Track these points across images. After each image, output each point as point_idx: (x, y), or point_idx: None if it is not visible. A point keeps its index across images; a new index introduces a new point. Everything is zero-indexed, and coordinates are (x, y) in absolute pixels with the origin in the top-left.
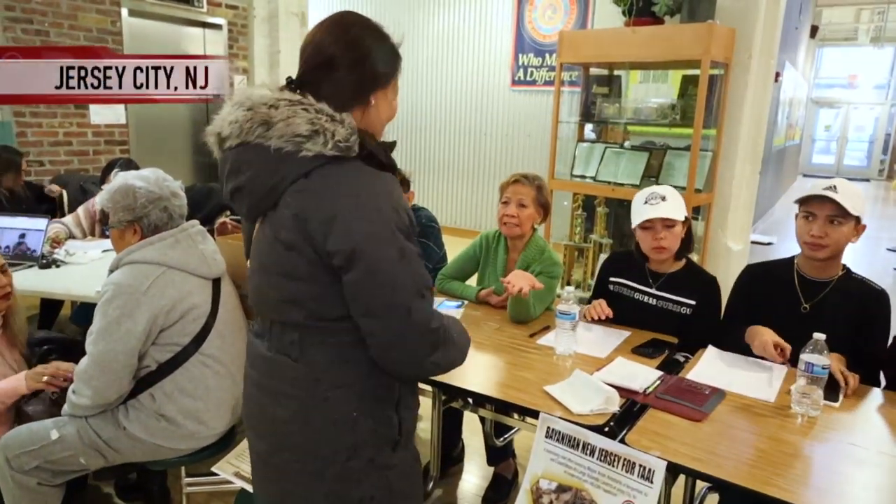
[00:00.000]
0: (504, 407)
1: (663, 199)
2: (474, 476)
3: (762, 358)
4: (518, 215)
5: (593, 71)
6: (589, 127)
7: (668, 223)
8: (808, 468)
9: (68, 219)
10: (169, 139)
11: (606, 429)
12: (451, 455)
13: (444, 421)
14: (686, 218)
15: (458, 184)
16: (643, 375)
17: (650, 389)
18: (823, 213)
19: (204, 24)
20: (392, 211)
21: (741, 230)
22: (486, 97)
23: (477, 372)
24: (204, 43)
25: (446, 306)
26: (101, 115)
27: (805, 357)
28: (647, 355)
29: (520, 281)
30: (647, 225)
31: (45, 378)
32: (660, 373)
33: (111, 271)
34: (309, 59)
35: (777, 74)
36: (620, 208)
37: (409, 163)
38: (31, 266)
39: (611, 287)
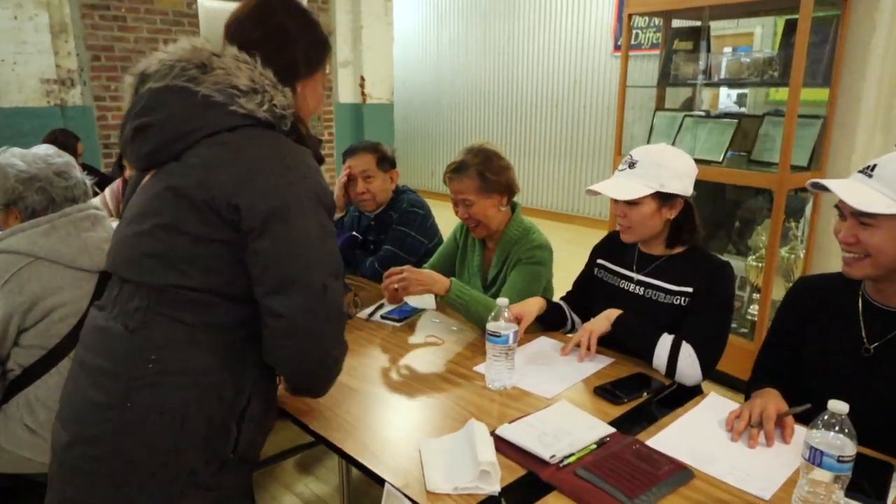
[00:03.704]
0: (352, 462)
1: (631, 165)
2: None
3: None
4: (471, 216)
5: (676, 24)
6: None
7: (629, 200)
8: None
9: (96, 200)
10: None
11: None
12: None
13: None
14: (675, 197)
15: (553, 164)
16: (578, 434)
17: (570, 460)
18: (847, 209)
19: None
20: (316, 183)
21: None
22: (585, 66)
23: (359, 406)
24: None
25: (400, 312)
26: None
27: (812, 439)
28: (613, 399)
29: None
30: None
31: None
32: (611, 430)
33: None
34: (233, 37)
35: None
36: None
37: (501, 142)
38: None
39: (595, 271)
